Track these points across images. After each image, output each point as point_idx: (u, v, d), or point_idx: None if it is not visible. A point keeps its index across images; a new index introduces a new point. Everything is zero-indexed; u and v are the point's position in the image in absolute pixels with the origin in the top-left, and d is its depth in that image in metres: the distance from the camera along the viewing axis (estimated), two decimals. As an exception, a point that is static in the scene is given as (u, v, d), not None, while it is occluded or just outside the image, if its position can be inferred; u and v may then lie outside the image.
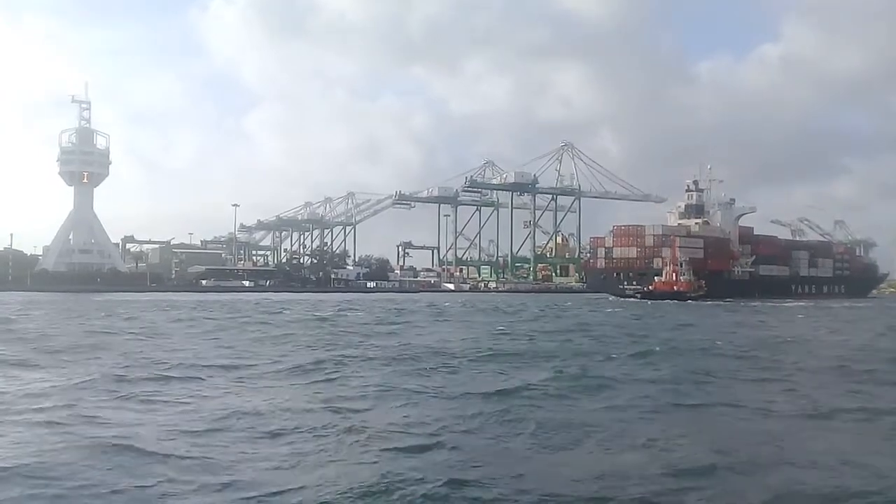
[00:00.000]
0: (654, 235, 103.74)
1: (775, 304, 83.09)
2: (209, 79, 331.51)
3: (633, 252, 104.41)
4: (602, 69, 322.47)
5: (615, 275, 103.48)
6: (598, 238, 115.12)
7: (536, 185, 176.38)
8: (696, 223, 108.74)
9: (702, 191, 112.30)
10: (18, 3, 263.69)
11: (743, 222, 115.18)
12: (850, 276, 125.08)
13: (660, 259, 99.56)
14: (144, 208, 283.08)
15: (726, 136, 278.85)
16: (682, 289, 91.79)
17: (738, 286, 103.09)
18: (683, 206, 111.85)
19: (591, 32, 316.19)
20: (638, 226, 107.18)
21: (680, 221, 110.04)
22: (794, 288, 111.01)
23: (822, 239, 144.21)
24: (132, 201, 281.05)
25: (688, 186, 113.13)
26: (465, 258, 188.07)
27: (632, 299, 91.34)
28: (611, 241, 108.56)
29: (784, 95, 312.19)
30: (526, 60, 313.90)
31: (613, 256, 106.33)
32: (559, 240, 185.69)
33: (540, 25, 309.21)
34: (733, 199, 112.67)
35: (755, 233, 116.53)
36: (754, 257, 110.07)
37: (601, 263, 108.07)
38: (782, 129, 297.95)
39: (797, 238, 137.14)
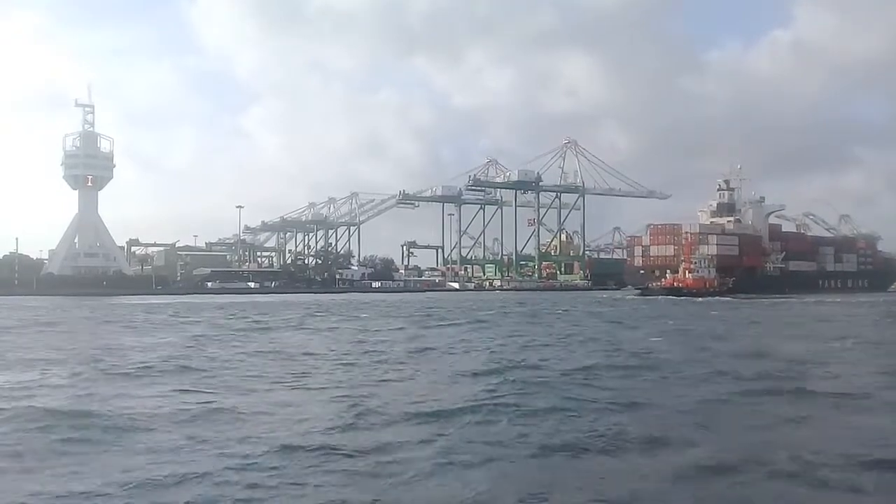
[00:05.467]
0: (690, 234, 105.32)
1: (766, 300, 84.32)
2: (206, 76, 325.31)
3: (670, 250, 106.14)
4: (608, 58, 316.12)
5: (653, 272, 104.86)
6: (635, 237, 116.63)
7: (540, 183, 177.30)
8: (729, 221, 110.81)
9: (732, 189, 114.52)
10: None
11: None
12: (873, 270, 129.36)
13: (703, 257, 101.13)
14: (149, 211, 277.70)
15: (735, 126, 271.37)
16: (686, 285, 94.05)
17: (770, 282, 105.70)
18: (715, 205, 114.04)
19: (596, 19, 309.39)
20: (674, 224, 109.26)
21: (712, 220, 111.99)
22: (821, 283, 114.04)
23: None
24: (137, 204, 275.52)
25: (719, 185, 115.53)
26: (469, 257, 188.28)
27: (630, 296, 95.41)
28: (648, 240, 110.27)
29: (795, 83, 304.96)
30: (529, 50, 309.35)
31: (651, 255, 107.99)
32: (563, 237, 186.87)
33: (544, 12, 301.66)
34: (763, 198, 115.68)
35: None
36: (784, 253, 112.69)
37: (638, 261, 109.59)
38: (793, 119, 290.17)
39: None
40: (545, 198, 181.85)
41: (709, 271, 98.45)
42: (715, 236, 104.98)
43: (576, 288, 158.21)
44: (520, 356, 21.54)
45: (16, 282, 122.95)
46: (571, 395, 14.11)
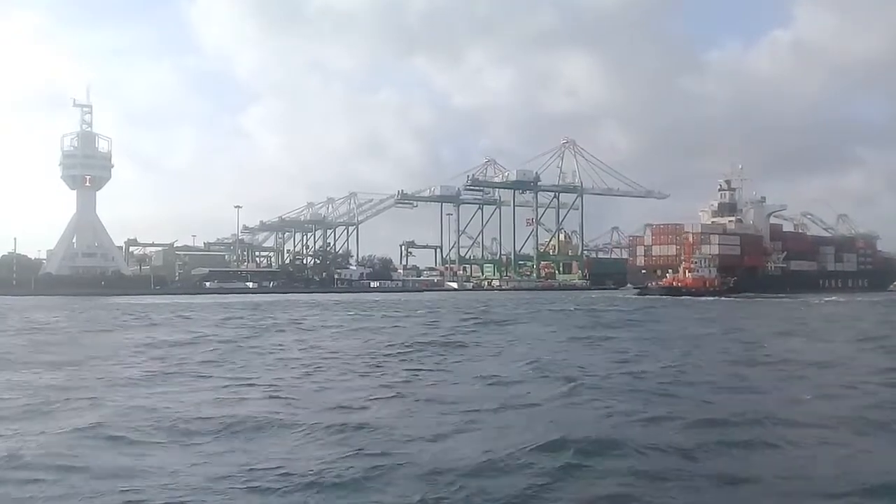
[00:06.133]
0: (693, 233, 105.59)
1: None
2: (206, 76, 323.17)
3: (671, 250, 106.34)
4: (608, 58, 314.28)
5: (655, 272, 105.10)
6: (637, 237, 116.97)
7: (538, 183, 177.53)
8: (730, 221, 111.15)
9: (734, 189, 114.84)
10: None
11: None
12: (873, 269, 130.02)
13: (703, 256, 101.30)
14: (147, 211, 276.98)
15: (735, 126, 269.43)
16: (686, 285, 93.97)
17: (771, 282, 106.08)
18: (717, 205, 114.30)
19: (596, 19, 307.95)
20: (676, 224, 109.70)
21: (713, 220, 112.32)
22: (821, 282, 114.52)
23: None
24: (135, 204, 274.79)
25: (720, 185, 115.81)
26: (468, 257, 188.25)
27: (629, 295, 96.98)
28: (650, 240, 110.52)
29: (795, 83, 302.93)
30: (529, 50, 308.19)
31: (653, 254, 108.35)
32: (562, 237, 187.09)
33: (544, 12, 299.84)
34: (764, 198, 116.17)
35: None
36: (785, 253, 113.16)
37: (640, 261, 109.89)
38: (793, 119, 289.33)
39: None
40: (543, 198, 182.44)
41: (709, 271, 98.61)
42: (717, 236, 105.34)
43: (574, 287, 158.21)
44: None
45: (14, 282, 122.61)
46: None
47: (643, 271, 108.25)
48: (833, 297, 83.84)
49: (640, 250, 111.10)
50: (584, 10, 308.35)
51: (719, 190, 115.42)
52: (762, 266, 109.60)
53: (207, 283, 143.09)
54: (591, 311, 54.48)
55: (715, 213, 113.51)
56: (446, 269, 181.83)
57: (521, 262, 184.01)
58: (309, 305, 69.81)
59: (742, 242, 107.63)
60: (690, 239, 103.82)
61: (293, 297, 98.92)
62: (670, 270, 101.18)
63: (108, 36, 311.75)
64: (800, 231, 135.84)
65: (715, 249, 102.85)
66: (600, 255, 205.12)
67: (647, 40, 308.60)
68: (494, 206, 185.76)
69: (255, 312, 52.32)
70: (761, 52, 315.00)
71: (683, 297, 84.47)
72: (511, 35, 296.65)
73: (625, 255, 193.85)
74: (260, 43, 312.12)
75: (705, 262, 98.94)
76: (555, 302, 74.54)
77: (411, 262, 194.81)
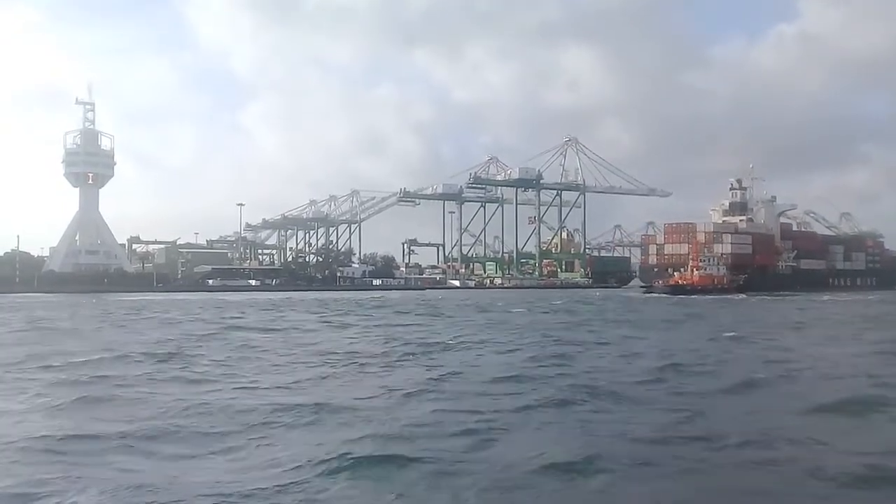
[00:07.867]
0: (705, 232, 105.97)
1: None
2: (205, 72, 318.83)
3: (684, 248, 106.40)
4: (610, 52, 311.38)
5: (667, 270, 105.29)
6: (649, 236, 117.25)
7: (541, 181, 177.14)
8: (741, 220, 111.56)
9: (745, 189, 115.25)
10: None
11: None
12: (881, 268, 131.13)
13: (711, 255, 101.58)
14: (150, 208, 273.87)
15: (739, 123, 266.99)
16: (693, 283, 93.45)
17: (782, 280, 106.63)
18: (728, 204, 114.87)
19: (598, 13, 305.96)
20: (689, 223, 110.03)
21: (725, 219, 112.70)
22: (831, 281, 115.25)
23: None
24: (138, 201, 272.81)
25: (731, 185, 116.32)
26: (470, 255, 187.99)
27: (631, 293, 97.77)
28: (662, 238, 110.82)
29: (800, 78, 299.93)
30: (531, 44, 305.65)
31: (665, 253, 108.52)
32: (564, 235, 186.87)
33: (545, 5, 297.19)
34: (774, 197, 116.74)
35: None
36: (795, 252, 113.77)
37: (653, 260, 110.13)
38: (798, 115, 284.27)
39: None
40: (546, 195, 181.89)
41: (717, 269, 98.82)
42: (729, 235, 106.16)
43: (577, 286, 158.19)
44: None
45: (17, 279, 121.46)
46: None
47: (655, 269, 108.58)
48: (858, 296, 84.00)
49: (653, 249, 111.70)
50: (585, 3, 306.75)
51: (730, 189, 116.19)
52: (773, 265, 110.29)
53: (210, 281, 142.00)
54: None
55: (726, 213, 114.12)
56: (449, 266, 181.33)
57: (523, 260, 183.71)
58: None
59: (754, 241, 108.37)
60: (701, 238, 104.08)
61: (293, 296, 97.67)
62: (682, 269, 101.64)
63: (106, 33, 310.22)
64: (803, 229, 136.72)
65: (727, 248, 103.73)
66: (602, 253, 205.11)
67: (649, 35, 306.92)
68: (497, 204, 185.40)
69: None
70: (766, 47, 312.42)
71: (692, 297, 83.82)
72: (512, 29, 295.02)
73: (627, 254, 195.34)
74: (257, 39, 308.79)
75: (714, 260, 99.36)
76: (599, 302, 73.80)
77: (413, 259, 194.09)
